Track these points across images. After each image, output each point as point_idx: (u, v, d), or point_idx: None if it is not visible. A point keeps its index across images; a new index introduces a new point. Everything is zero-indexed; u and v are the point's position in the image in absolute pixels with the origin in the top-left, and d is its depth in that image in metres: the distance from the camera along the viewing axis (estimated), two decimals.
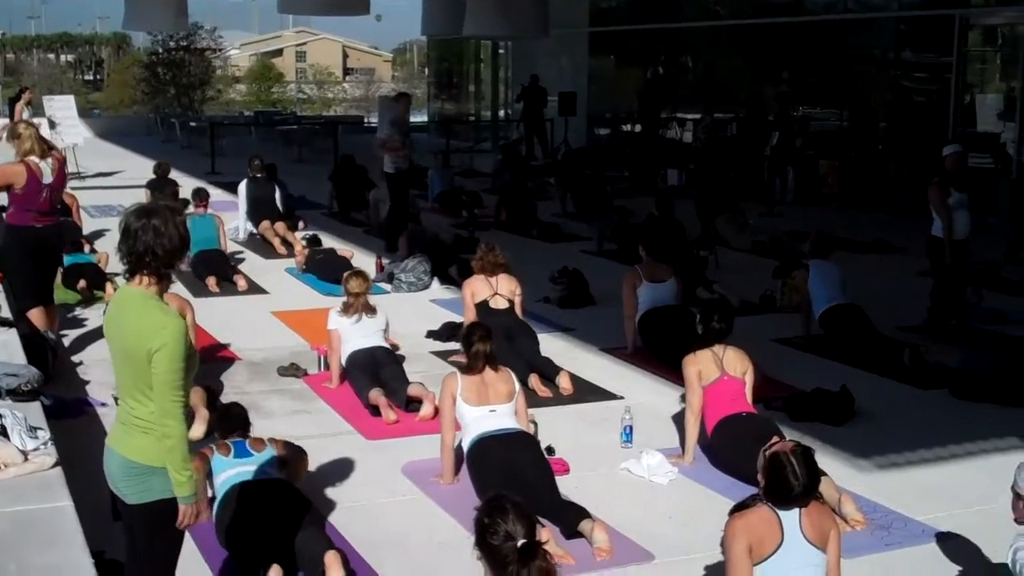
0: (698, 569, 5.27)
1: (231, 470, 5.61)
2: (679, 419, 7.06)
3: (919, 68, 19.18)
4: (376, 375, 7.82)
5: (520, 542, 3.45)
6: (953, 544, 5.66)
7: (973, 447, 7.07)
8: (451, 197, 17.06)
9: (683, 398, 6.91)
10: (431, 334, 9.70)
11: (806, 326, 9.58)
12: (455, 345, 9.27)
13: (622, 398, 7.97)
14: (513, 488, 5.71)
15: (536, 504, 5.74)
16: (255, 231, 14.24)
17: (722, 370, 6.58)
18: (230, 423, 6.05)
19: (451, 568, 5.30)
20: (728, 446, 6.39)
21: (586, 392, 8.14)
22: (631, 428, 7.02)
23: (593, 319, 10.11)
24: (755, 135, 19.54)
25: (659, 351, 8.71)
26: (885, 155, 17.64)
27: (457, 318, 10.05)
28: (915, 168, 17.41)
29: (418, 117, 32.51)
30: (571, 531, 5.60)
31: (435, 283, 11.87)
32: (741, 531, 4.23)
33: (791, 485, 4.22)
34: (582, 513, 5.67)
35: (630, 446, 6.94)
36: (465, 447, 6.20)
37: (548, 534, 5.29)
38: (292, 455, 6.02)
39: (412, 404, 7.63)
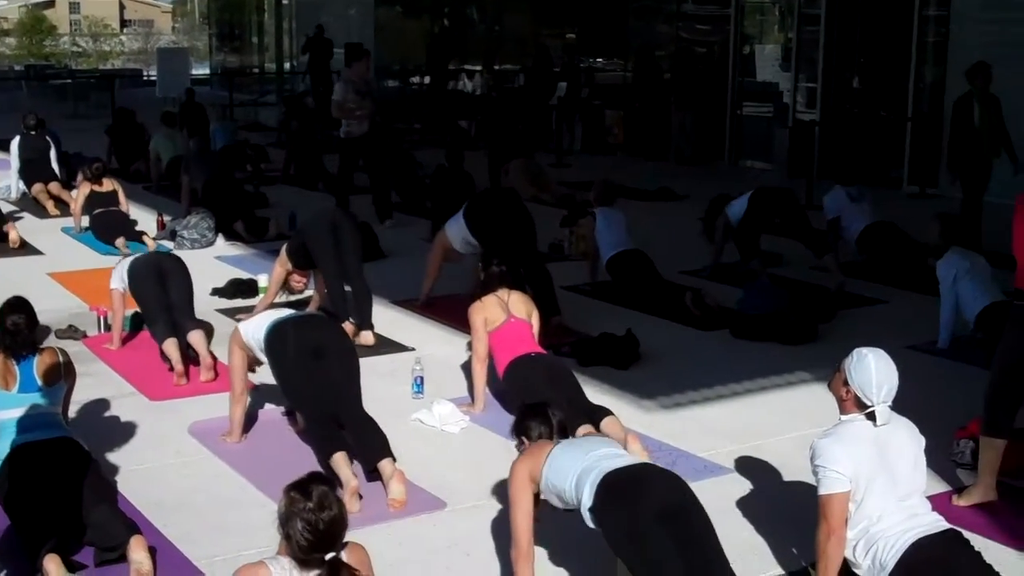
0: (490, 513, 5.30)
1: (12, 410, 5.15)
2: (469, 368, 7.08)
3: (700, 20, 19.66)
4: (164, 289, 7.47)
5: (329, 556, 3.42)
6: (733, 477, 5.84)
7: (752, 385, 7.31)
8: (235, 151, 16.60)
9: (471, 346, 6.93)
10: (216, 291, 9.45)
11: (593, 273, 9.74)
12: (242, 302, 9.11)
13: (413, 349, 7.95)
14: (314, 374, 5.68)
15: (338, 406, 5.68)
16: (27, 191, 13.60)
17: (508, 313, 6.61)
18: (18, 346, 5.31)
19: (238, 526, 5.19)
20: (519, 385, 6.39)
21: (377, 345, 8.06)
22: (422, 379, 7.01)
23: (383, 272, 10.03)
24: (542, 86, 19.70)
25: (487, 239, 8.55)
26: (669, 105, 18.04)
27: (244, 274, 9.86)
28: (698, 118, 17.90)
29: (200, 70, 31.67)
30: (370, 468, 5.55)
31: (220, 239, 11.60)
32: (523, 468, 4.35)
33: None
34: (384, 448, 5.58)
35: (421, 397, 6.93)
36: (262, 339, 5.96)
37: (356, 497, 5.24)
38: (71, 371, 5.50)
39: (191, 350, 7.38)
